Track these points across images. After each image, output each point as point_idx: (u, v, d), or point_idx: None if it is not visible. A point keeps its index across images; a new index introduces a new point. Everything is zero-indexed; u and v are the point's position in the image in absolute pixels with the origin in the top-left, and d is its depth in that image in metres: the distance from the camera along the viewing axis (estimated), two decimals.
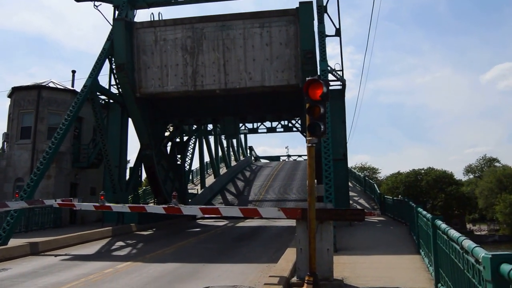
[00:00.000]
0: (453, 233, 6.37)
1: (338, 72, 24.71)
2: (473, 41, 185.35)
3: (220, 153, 45.75)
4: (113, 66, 25.86)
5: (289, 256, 11.71)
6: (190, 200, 32.59)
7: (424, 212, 11.16)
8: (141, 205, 12.81)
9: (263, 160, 73.22)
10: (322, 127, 8.25)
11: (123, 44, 23.06)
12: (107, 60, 25.59)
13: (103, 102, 26.30)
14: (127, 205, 12.18)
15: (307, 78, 8.48)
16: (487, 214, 70.47)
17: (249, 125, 33.22)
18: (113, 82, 26.29)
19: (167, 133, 30.41)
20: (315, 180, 9.08)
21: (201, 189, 38.08)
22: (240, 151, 55.75)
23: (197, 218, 33.69)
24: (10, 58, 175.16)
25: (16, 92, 26.73)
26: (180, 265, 13.08)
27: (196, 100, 26.27)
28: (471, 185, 76.63)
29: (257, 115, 26.91)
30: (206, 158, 41.41)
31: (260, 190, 40.54)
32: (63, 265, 13.22)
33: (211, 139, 41.96)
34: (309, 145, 8.49)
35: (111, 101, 26.11)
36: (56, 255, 15.10)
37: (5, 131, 26.94)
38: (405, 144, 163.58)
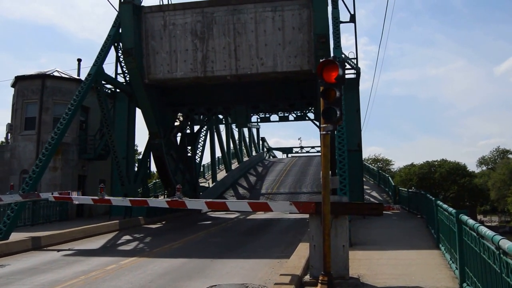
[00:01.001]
0: (486, 231, 5.77)
1: (352, 61, 23.98)
2: (487, 33, 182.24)
3: (232, 147, 45.17)
4: (120, 54, 25.38)
5: (302, 252, 11.18)
6: (201, 193, 32.17)
7: (445, 206, 10.53)
8: (143, 198, 12.25)
9: (275, 152, 72.79)
10: (338, 112, 7.64)
11: (131, 28, 22.65)
12: (113, 49, 25.24)
13: (109, 91, 25.86)
14: (128, 198, 11.70)
15: (320, 60, 7.86)
16: (498, 205, 69.78)
17: (261, 115, 32.73)
18: (119, 71, 25.85)
19: (177, 123, 29.91)
20: (330, 172, 8.50)
21: (212, 182, 37.65)
22: (253, 146, 55.08)
23: (207, 211, 33.39)
24: (19, 49, 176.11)
25: (19, 82, 26.39)
26: (187, 261, 12.63)
27: (206, 88, 25.89)
28: (484, 177, 75.64)
29: (269, 104, 26.28)
30: (218, 153, 40.87)
31: (272, 184, 40.19)
32: (65, 261, 12.82)
33: (223, 132, 41.39)
34: (324, 132, 7.90)
35: (117, 90, 25.62)
36: (59, 250, 14.74)
37: (9, 122, 26.65)
38: (418, 136, 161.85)
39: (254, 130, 57.57)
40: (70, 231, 17.41)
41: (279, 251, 14.17)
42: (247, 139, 52.56)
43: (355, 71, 23.55)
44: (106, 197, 12.25)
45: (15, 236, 15.79)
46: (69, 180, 25.65)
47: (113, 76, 25.53)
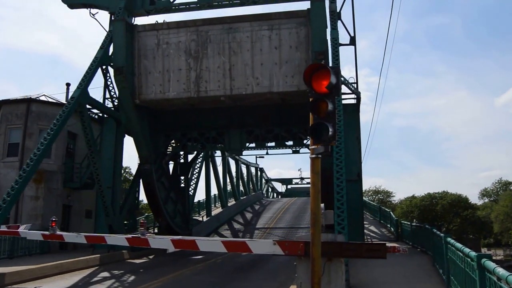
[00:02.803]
0: None
1: (353, 85, 22.70)
2: (488, 64, 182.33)
3: (228, 184, 43.43)
4: (108, 78, 24.24)
5: None
6: (193, 228, 30.40)
7: (459, 245, 8.93)
8: (100, 235, 10.66)
9: (274, 183, 71.04)
10: (330, 130, 6.18)
11: (122, 46, 21.70)
12: (101, 74, 24.13)
13: (96, 116, 24.53)
14: (84, 234, 10.14)
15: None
16: (502, 238, 68.02)
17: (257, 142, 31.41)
18: (107, 96, 24.60)
19: (169, 151, 28.46)
20: (322, 205, 6.97)
21: (207, 217, 35.84)
22: (251, 184, 53.40)
23: (209, 234, 31.53)
24: (23, 78, 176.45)
25: (4, 106, 25.06)
26: None
27: (200, 112, 24.83)
28: (487, 209, 73.82)
29: (264, 129, 24.92)
30: (213, 187, 38.95)
31: (270, 220, 38.59)
32: None
33: (219, 168, 39.78)
34: (313, 156, 6.43)
35: (105, 116, 24.28)
36: None
37: None
38: (419, 168, 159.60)
39: (253, 169, 56.04)
40: (41, 267, 15.68)
41: None
42: (245, 177, 50.94)
43: (355, 96, 22.21)
44: (58, 233, 10.65)
45: None
46: (52, 210, 23.92)
47: (101, 101, 24.21)
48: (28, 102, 24.80)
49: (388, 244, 7.09)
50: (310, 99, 6.43)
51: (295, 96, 21.25)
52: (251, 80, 21.07)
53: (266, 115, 24.51)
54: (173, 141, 27.50)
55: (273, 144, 27.85)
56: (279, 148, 29.86)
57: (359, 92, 22.53)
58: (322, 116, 6.23)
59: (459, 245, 8.86)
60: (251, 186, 53.00)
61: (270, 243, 7.50)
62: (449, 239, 10.54)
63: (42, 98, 25.89)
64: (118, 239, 9.55)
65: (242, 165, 49.46)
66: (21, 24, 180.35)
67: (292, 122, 24.25)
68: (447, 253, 10.74)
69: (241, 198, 46.13)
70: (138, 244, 8.82)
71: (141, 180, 25.85)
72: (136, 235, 8.84)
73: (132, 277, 16.09)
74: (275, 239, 7.71)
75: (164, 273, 16.34)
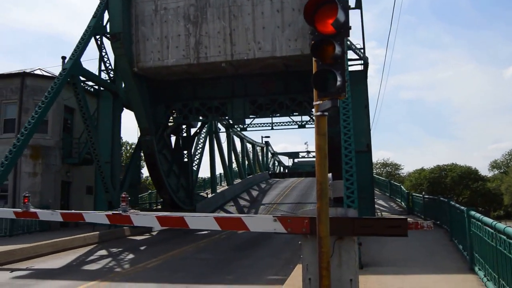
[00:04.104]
0: None
1: (360, 51, 21.26)
2: (495, 35, 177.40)
3: (233, 161, 42.27)
4: (103, 49, 23.00)
5: (298, 277, 8.49)
6: (197, 204, 29.47)
7: (489, 220, 7.80)
8: (78, 212, 9.62)
9: (281, 157, 69.88)
10: (339, 78, 4.98)
11: (119, 12, 20.77)
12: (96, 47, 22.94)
13: (91, 89, 23.38)
14: (60, 212, 9.14)
15: None
16: None
17: (262, 120, 30.16)
18: (103, 68, 23.36)
19: (171, 122, 27.32)
20: (330, 175, 5.82)
21: (211, 193, 34.87)
22: (257, 164, 52.23)
23: (215, 210, 30.66)
24: (27, 57, 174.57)
25: None
26: (157, 287, 10.01)
27: (201, 82, 23.89)
28: (497, 181, 72.55)
29: (268, 98, 23.71)
30: (218, 165, 37.78)
31: (276, 197, 37.58)
32: (11, 286, 10.36)
33: (224, 145, 38.54)
34: (318, 113, 5.26)
35: (101, 89, 23.12)
36: (12, 270, 12.23)
37: None
38: (427, 140, 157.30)
39: (258, 148, 54.83)
40: (34, 246, 14.82)
41: (273, 272, 11.51)
42: (251, 155, 49.78)
43: (362, 62, 20.80)
44: (32, 210, 9.60)
45: None
46: (51, 187, 23.12)
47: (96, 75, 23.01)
48: (23, 76, 23.65)
49: (410, 220, 5.96)
50: (312, 42, 5.20)
51: (299, 62, 20.02)
52: (252, 45, 19.92)
53: (269, 83, 23.41)
54: (174, 112, 26.33)
55: (278, 120, 26.59)
56: (284, 118, 28.62)
57: (367, 58, 21.13)
58: (328, 62, 5.02)
59: (488, 219, 7.73)
60: (257, 166, 51.98)
61: (269, 219, 6.39)
62: (473, 212, 9.42)
63: (37, 72, 24.74)
64: (97, 217, 8.51)
65: (247, 143, 48.33)
66: (25, 4, 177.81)
67: (297, 91, 23.00)
68: (470, 228, 9.63)
69: (247, 177, 45.15)
70: (120, 221, 7.81)
71: (142, 153, 24.91)
72: (117, 212, 7.79)
73: (130, 255, 15.22)
74: (276, 215, 6.60)
75: (164, 251, 15.44)
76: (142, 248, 17.46)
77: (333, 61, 5.02)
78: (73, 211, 11.51)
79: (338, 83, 5.05)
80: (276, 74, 22.62)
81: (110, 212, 8.11)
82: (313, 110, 21.70)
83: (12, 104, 23.54)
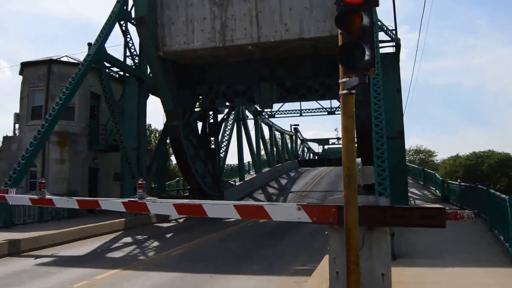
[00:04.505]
0: None
1: (392, 32, 20.41)
2: None
3: (261, 149, 41.85)
4: (127, 35, 22.85)
5: (326, 268, 8.05)
6: (225, 191, 29.31)
7: None
8: (94, 199, 9.45)
9: (310, 143, 69.08)
10: (367, 52, 4.47)
11: None
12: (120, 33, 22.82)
13: (116, 75, 23.33)
14: (76, 198, 8.97)
15: None
16: None
17: (290, 107, 29.53)
18: (128, 53, 23.27)
19: (197, 107, 27.08)
20: (359, 160, 5.33)
21: (239, 181, 34.64)
22: (285, 152, 51.66)
23: (243, 198, 30.54)
24: (54, 46, 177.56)
25: (25, 68, 24.26)
26: (180, 276, 9.80)
27: (227, 66, 23.52)
28: None
29: (296, 82, 23.14)
30: (246, 156, 37.58)
31: (306, 186, 37.16)
32: (31, 273, 10.25)
33: (252, 132, 38.19)
34: (345, 92, 4.77)
35: (126, 75, 23.07)
36: (37, 256, 12.26)
37: (17, 112, 24.58)
38: (462, 127, 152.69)
39: (287, 136, 54.27)
40: (59, 233, 14.87)
41: (301, 262, 11.12)
42: (279, 143, 49.25)
43: (394, 44, 19.95)
44: (48, 196, 9.44)
45: (4, 237, 13.32)
46: (78, 173, 23.31)
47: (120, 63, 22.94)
48: (49, 63, 23.81)
49: (448, 209, 5.42)
50: (337, 12, 4.69)
51: (328, 44, 19.31)
52: (279, 27, 19.39)
53: (297, 66, 22.81)
54: (200, 98, 26.08)
55: (307, 106, 25.91)
56: (313, 104, 27.97)
57: (399, 39, 20.27)
58: (355, 34, 4.51)
59: None
60: (286, 154, 51.49)
61: (293, 208, 5.96)
62: None
63: (64, 59, 24.86)
64: (113, 204, 8.28)
65: (276, 131, 47.86)
66: None
67: (326, 74, 22.29)
68: None
69: (276, 165, 44.75)
70: (136, 209, 7.56)
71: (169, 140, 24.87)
72: (133, 199, 7.53)
73: (155, 243, 15.12)
74: (301, 203, 6.16)
75: (189, 238, 15.28)
76: (167, 235, 17.37)
77: (360, 33, 4.52)
78: (89, 198, 11.36)
79: (367, 57, 4.54)
80: (304, 57, 22.01)
81: (126, 199, 7.86)
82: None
83: (39, 91, 23.77)
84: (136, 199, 7.43)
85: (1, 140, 24.81)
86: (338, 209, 5.52)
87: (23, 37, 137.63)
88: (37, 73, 23.86)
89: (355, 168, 4.85)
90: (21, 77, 24.85)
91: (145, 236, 16.35)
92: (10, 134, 25.15)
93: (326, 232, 5.89)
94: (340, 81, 4.98)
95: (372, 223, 5.47)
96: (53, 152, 22.62)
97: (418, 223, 5.42)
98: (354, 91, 4.89)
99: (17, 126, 24.50)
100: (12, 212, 17.36)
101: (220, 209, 6.40)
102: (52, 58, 24.29)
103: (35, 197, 9.54)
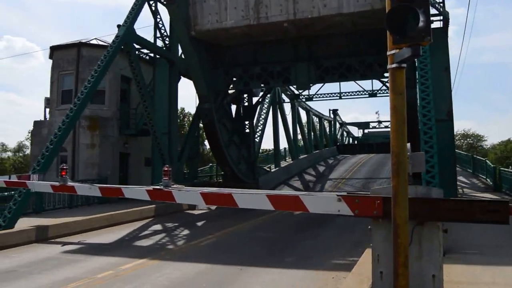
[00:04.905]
0: None
1: (439, 4, 19.28)
2: None
3: (298, 133, 41.17)
4: (157, 15, 22.55)
5: (367, 267, 7.50)
6: (260, 177, 28.94)
7: None
8: (117, 186, 9.17)
9: (349, 127, 67.82)
10: (421, 18, 3.86)
11: None
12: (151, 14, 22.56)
13: (147, 57, 23.14)
14: (98, 185, 8.70)
15: None
16: None
17: (329, 89, 28.69)
18: (158, 34, 23.02)
19: (231, 89, 26.70)
20: (408, 144, 4.74)
21: (275, 168, 34.18)
22: (324, 138, 50.82)
23: (278, 185, 30.23)
24: (87, 33, 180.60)
25: (55, 52, 24.45)
26: (208, 268, 9.47)
27: (262, 45, 23.17)
28: None
29: (334, 60, 22.39)
30: (282, 142, 36.89)
31: (345, 173, 36.52)
32: (58, 261, 10.19)
33: (289, 117, 37.52)
34: (394, 66, 4.18)
35: (157, 57, 22.85)
36: (64, 243, 12.29)
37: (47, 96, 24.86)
38: None
39: (326, 122, 53.26)
40: (88, 219, 14.89)
41: (339, 256, 10.58)
42: (317, 129, 48.38)
43: (442, 18, 18.82)
44: (70, 184, 9.20)
45: (33, 222, 13.64)
46: (109, 158, 23.43)
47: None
48: (79, 46, 23.90)
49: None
50: None
51: (369, 19, 18.49)
52: (317, 2, 18.70)
53: (336, 45, 22.16)
54: (234, 79, 25.66)
55: (347, 89, 25.13)
56: (353, 86, 27.11)
57: (447, 13, 19.09)
58: None
59: None
60: (324, 140, 50.63)
61: (332, 199, 5.43)
62: None
63: (93, 42, 24.88)
64: (137, 192, 7.96)
65: (313, 116, 47.02)
66: None
67: (366, 52, 21.44)
68: None
69: (314, 151, 44.02)
70: (161, 198, 7.19)
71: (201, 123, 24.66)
72: (158, 187, 7.18)
73: (185, 231, 14.91)
74: (341, 193, 5.62)
75: (220, 227, 14.99)
76: (198, 223, 17.14)
77: None
78: (111, 185, 11.15)
79: (421, 24, 3.93)
80: (343, 35, 21.36)
81: (150, 187, 7.54)
82: (386, 74, 20.08)
83: (69, 75, 23.93)
84: (161, 187, 7.08)
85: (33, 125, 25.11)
86: (384, 201, 4.96)
87: (56, 23, 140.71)
88: (66, 57, 24.01)
89: (405, 154, 4.28)
90: (51, 61, 25.09)
91: (176, 224, 16.18)
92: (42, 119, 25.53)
93: (369, 227, 5.35)
94: (388, 53, 4.38)
95: (422, 217, 4.88)
96: (83, 136, 22.80)
97: (477, 219, 4.79)
98: (404, 65, 4.28)
99: (47, 110, 24.79)
100: (42, 198, 17.60)
101: (251, 199, 5.94)
102: (81, 41, 24.33)
103: (56, 184, 9.36)
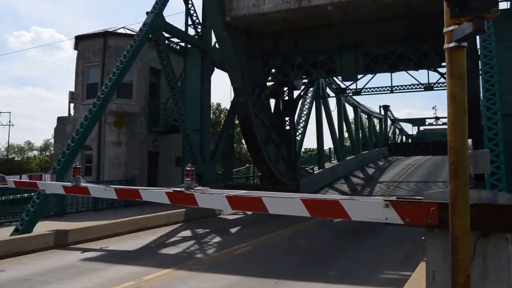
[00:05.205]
0: None
1: None
2: None
3: (345, 132, 40.50)
4: (189, 2, 22.56)
5: (422, 281, 7.07)
6: (301, 179, 28.57)
7: None
8: (134, 188, 9.02)
9: (402, 124, 66.30)
10: None
11: None
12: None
13: (177, 47, 23.18)
14: (114, 187, 8.57)
15: None
16: None
17: (379, 83, 28.00)
18: (190, 22, 23.00)
19: (270, 81, 26.47)
20: (469, 141, 4.32)
21: (318, 169, 33.70)
22: (373, 137, 50.03)
23: (322, 188, 29.87)
24: (117, 22, 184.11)
25: (80, 42, 24.91)
26: (240, 281, 9.25)
27: (303, 32, 22.92)
28: None
29: (385, 48, 21.78)
30: (326, 141, 36.51)
31: (397, 176, 35.74)
32: (75, 270, 10.19)
33: (334, 113, 36.96)
34: (452, 44, 3.79)
35: (189, 46, 22.85)
36: (84, 250, 12.35)
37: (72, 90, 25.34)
38: None
39: (376, 120, 52.32)
40: (112, 224, 15.00)
41: (388, 269, 10.15)
42: (366, 128, 47.60)
43: None
44: (83, 184, 9.11)
45: (53, 226, 13.79)
46: (137, 157, 23.69)
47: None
48: (105, 35, 24.31)
49: None
50: None
51: (424, 1, 17.77)
52: None
53: (386, 30, 21.58)
54: (273, 70, 25.38)
55: (399, 82, 24.41)
56: (406, 79, 26.34)
57: None
58: None
59: None
60: (374, 140, 49.75)
61: (379, 204, 5.05)
62: None
63: (121, 30, 25.17)
64: (156, 194, 7.79)
65: (362, 113, 46.24)
66: None
67: (421, 38, 20.68)
68: None
69: (362, 152, 43.26)
70: (182, 201, 6.98)
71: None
72: (179, 189, 6.97)
73: (217, 238, 14.75)
74: (389, 198, 5.25)
75: (256, 234, 14.75)
76: (231, 230, 16.98)
77: None
78: (128, 187, 11.06)
79: None
80: (395, 19, 20.79)
81: (170, 189, 7.35)
82: (444, 63, 19.38)
83: (95, 67, 24.30)
84: (183, 189, 6.88)
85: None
86: (440, 208, 4.56)
87: (85, 12, 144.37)
88: (92, 47, 24.39)
89: (466, 151, 3.87)
90: (76, 52, 25.54)
91: (207, 230, 16.06)
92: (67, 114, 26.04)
93: (423, 237, 4.97)
94: (445, 30, 3.98)
95: (487, 227, 4.45)
96: (109, 134, 23.09)
97: None
98: (465, 44, 3.88)
99: (72, 105, 25.25)
100: (64, 200, 17.91)
101: (284, 204, 5.62)
102: (108, 30, 24.66)
103: (68, 184, 9.33)
